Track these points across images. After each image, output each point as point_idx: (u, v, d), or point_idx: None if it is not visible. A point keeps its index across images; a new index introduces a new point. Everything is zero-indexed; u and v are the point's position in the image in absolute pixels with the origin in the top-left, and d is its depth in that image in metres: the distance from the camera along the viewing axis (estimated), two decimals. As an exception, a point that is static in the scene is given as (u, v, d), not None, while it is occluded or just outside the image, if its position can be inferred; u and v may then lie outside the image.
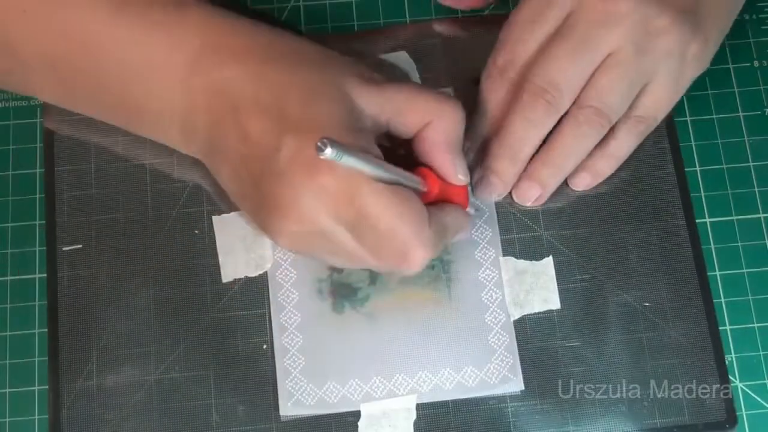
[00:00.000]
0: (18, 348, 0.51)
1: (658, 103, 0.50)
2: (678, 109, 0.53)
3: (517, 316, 0.51)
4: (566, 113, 0.49)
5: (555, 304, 0.51)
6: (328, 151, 0.39)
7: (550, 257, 0.51)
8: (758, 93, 0.55)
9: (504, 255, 0.51)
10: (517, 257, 0.51)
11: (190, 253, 0.51)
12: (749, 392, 0.50)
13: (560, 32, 0.48)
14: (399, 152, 0.48)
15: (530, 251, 0.52)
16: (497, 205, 0.52)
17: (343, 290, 0.51)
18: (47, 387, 0.49)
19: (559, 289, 0.51)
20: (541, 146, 0.50)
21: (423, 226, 0.44)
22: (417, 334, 0.50)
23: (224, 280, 0.51)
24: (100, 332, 0.50)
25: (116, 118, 0.50)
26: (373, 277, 0.51)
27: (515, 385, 0.49)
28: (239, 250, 0.51)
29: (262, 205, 0.45)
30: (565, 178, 0.51)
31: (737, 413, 0.49)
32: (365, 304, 0.51)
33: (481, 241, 0.52)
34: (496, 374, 0.50)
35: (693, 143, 0.54)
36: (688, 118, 0.55)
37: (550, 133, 0.50)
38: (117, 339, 0.50)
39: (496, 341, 0.50)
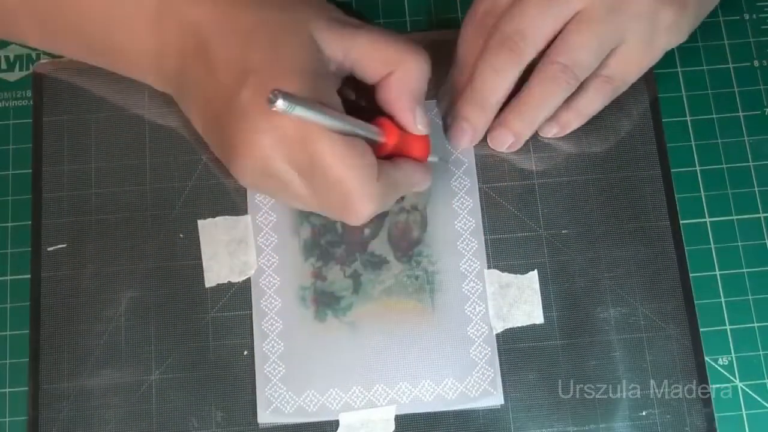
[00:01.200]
0: (18, 348, 0.51)
1: (628, 65, 0.50)
2: (678, 108, 0.53)
3: (499, 330, 0.50)
4: (536, 67, 0.49)
5: (538, 318, 0.51)
6: (279, 103, 0.39)
7: (535, 271, 0.51)
8: (758, 93, 0.55)
9: (489, 267, 0.51)
10: (500, 267, 0.51)
11: (173, 257, 0.51)
12: (749, 392, 0.50)
13: None
14: (361, 102, 0.49)
15: (520, 252, 0.51)
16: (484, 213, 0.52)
17: (326, 298, 0.51)
18: (26, 388, 0.50)
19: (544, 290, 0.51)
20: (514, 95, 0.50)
21: (371, 179, 0.44)
22: (398, 345, 0.50)
23: (207, 284, 0.51)
24: (81, 334, 0.50)
25: (95, 59, 0.50)
26: (357, 285, 0.51)
27: (495, 399, 0.49)
28: (223, 255, 0.51)
29: (225, 143, 0.45)
30: (536, 128, 0.52)
31: (737, 413, 0.49)
32: (348, 313, 0.50)
33: (466, 253, 0.51)
34: (476, 387, 0.49)
35: (693, 143, 0.54)
36: (688, 118, 0.55)
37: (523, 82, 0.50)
38: (97, 341, 0.50)
39: (478, 354, 0.50)
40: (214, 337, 0.50)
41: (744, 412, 0.50)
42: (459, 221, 0.52)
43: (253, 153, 0.44)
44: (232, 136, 0.44)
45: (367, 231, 0.52)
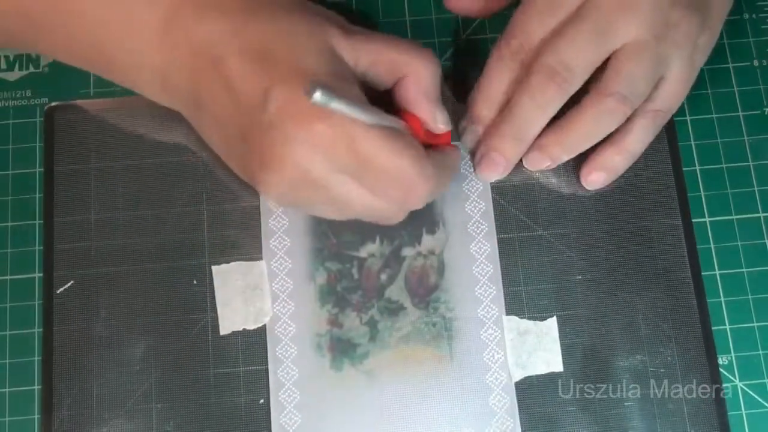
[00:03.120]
0: (18, 348, 0.50)
1: (674, 94, 0.50)
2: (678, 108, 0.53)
3: (518, 378, 0.50)
4: (586, 97, 0.49)
5: (557, 366, 0.50)
6: (317, 95, 0.38)
7: (554, 318, 0.51)
8: (758, 92, 0.55)
9: (507, 314, 0.51)
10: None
11: (187, 304, 0.51)
12: (749, 392, 0.50)
13: (577, 16, 0.48)
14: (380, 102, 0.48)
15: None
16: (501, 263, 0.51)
17: (343, 346, 0.50)
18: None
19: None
20: (555, 120, 0.50)
21: (424, 159, 0.45)
22: (416, 394, 0.49)
23: (222, 332, 0.50)
24: (92, 384, 0.49)
25: (100, 72, 0.49)
26: (373, 333, 0.50)
27: (515, 449, 0.49)
28: (238, 302, 0.51)
29: (251, 158, 0.44)
30: (574, 155, 0.51)
31: (737, 413, 0.49)
32: (364, 361, 0.50)
33: (484, 299, 0.51)
34: (495, 437, 0.49)
35: (693, 143, 0.54)
36: (688, 118, 0.54)
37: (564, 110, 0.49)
38: (111, 391, 0.49)
39: (497, 403, 0.49)
40: (229, 385, 0.50)
41: (744, 412, 0.50)
42: (477, 266, 0.51)
43: (287, 163, 0.43)
44: (261, 150, 0.43)
45: (383, 276, 0.51)
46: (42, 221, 0.52)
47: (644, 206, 0.52)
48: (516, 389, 0.49)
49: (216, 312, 0.50)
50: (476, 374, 0.50)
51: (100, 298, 0.51)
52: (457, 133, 0.52)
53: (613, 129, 0.49)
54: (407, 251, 0.52)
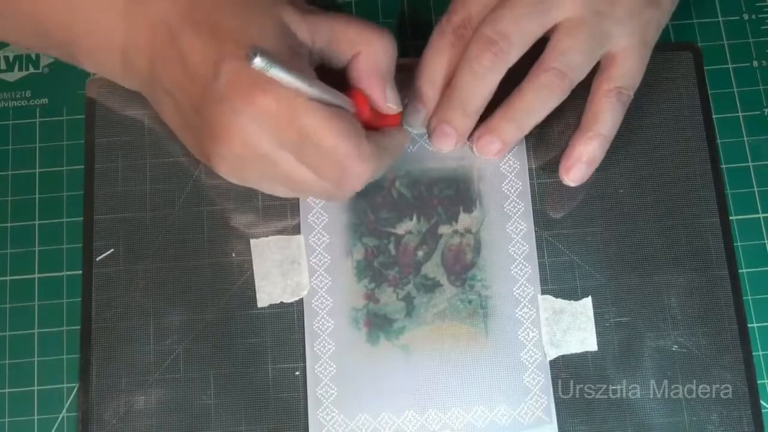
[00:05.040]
0: (18, 348, 0.51)
1: (631, 69, 0.50)
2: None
3: (553, 356, 0.50)
4: (528, 74, 0.49)
5: (592, 345, 0.50)
6: (257, 60, 0.39)
7: (589, 298, 0.51)
8: (758, 93, 0.55)
9: (542, 293, 0.51)
10: (554, 294, 0.51)
11: (226, 276, 0.51)
12: None
13: None
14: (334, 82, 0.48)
15: (565, 283, 0.51)
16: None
17: (379, 321, 0.50)
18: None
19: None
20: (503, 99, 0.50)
21: (361, 140, 0.45)
22: (451, 369, 0.50)
23: (260, 305, 0.51)
24: (131, 353, 0.50)
25: (66, 56, 0.49)
26: (410, 308, 0.51)
27: (549, 428, 0.49)
28: (276, 275, 0.51)
29: (203, 133, 0.45)
30: (524, 134, 0.51)
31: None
32: (400, 336, 0.50)
33: (520, 278, 0.51)
34: (529, 415, 0.49)
35: None
36: None
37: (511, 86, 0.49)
38: (146, 363, 0.50)
39: (531, 381, 0.50)
40: (265, 357, 0.50)
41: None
42: (513, 246, 0.52)
43: (235, 136, 0.43)
44: (212, 123, 0.44)
45: (420, 253, 0.52)
46: (82, 192, 0.53)
47: (680, 195, 0.53)
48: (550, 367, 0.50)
49: (254, 284, 0.51)
50: (511, 352, 0.50)
51: (138, 267, 0.51)
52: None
53: (555, 104, 0.49)
54: (444, 229, 0.52)
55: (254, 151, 0.44)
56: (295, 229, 0.52)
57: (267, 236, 0.52)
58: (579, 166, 0.51)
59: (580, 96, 0.50)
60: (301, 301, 0.51)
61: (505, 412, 0.49)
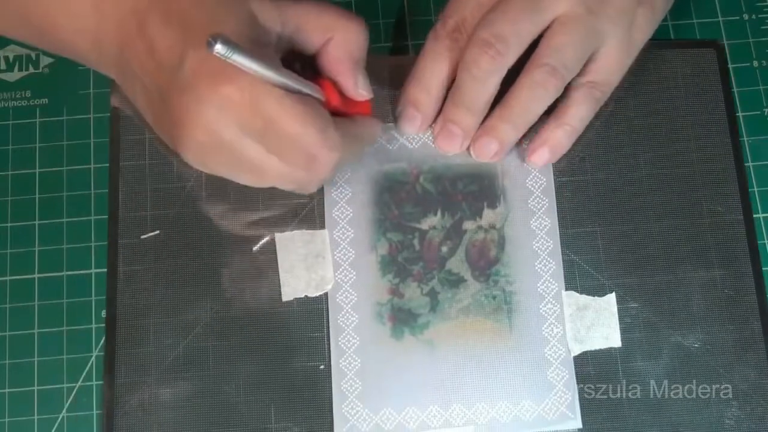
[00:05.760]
0: (18, 348, 0.51)
1: (611, 67, 0.50)
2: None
3: (577, 352, 0.50)
4: (521, 72, 0.49)
5: (616, 341, 0.50)
6: (219, 47, 0.39)
7: (613, 294, 0.51)
8: (758, 93, 0.55)
9: (566, 289, 0.51)
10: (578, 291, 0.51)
11: (250, 270, 0.51)
12: None
13: None
14: (306, 73, 0.48)
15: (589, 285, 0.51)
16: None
17: (403, 316, 0.50)
18: (100, 410, 0.50)
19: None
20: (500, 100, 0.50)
21: (328, 127, 0.44)
22: (476, 365, 0.50)
23: (284, 299, 0.51)
24: (156, 346, 0.50)
25: (32, 38, 0.49)
26: (434, 304, 0.51)
27: (573, 423, 0.49)
28: (300, 269, 0.51)
29: (170, 121, 0.45)
30: (522, 133, 0.51)
31: None
32: (425, 331, 0.50)
33: (544, 274, 0.51)
34: (553, 410, 0.49)
35: None
36: None
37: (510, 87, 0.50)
38: (171, 354, 0.50)
39: (555, 376, 0.50)
40: (290, 352, 0.50)
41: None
42: (537, 242, 0.52)
43: (199, 124, 0.43)
44: (177, 110, 0.43)
45: (444, 249, 0.52)
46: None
47: (703, 185, 0.53)
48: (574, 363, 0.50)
49: (278, 279, 0.51)
50: (535, 347, 0.50)
51: (163, 263, 0.51)
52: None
53: (549, 101, 0.50)
54: (468, 225, 0.52)
55: (219, 139, 0.43)
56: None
57: (291, 231, 0.52)
58: (543, 150, 0.51)
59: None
60: (325, 296, 0.51)
61: (529, 408, 0.49)
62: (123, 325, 0.50)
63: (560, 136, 0.51)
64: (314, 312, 0.51)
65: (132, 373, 0.50)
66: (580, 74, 0.50)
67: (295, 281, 0.51)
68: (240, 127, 0.43)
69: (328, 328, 0.50)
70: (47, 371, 0.50)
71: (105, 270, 0.51)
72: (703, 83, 0.54)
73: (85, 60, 0.49)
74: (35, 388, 0.50)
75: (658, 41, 0.55)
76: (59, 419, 0.50)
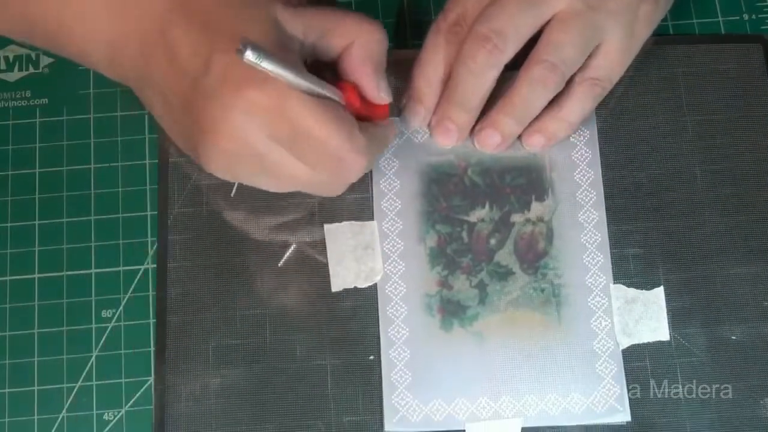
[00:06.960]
0: (18, 348, 0.51)
1: (612, 63, 0.50)
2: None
3: (625, 345, 0.50)
4: (522, 67, 0.49)
5: (664, 335, 0.50)
6: (249, 53, 0.39)
7: (661, 287, 0.51)
8: None
9: (614, 282, 0.51)
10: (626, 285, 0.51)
11: (299, 262, 0.51)
12: None
13: None
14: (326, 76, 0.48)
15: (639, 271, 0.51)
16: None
17: (452, 307, 0.51)
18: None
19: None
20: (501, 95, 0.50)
21: (354, 131, 0.45)
22: (525, 357, 0.50)
23: (334, 289, 0.51)
24: (205, 335, 0.50)
25: (56, 47, 0.49)
26: (483, 296, 0.51)
27: (622, 416, 0.49)
28: (350, 260, 0.51)
29: (193, 128, 0.44)
30: (524, 126, 0.51)
31: None
32: (474, 323, 0.50)
33: (592, 267, 0.51)
34: (602, 403, 0.49)
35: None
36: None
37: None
38: (220, 342, 0.50)
39: (604, 369, 0.50)
40: (340, 343, 0.50)
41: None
42: (585, 235, 0.52)
43: (225, 131, 0.43)
44: (202, 119, 0.43)
45: (493, 241, 0.52)
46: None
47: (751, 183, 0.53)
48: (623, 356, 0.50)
49: (325, 271, 0.51)
50: (583, 340, 0.50)
51: (210, 259, 0.52)
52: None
53: (549, 96, 0.50)
54: (516, 217, 0.52)
55: (245, 146, 0.43)
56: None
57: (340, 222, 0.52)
58: (538, 137, 0.52)
59: (647, 88, 0.50)
60: (374, 287, 0.51)
61: (578, 401, 0.49)
62: (173, 319, 0.51)
63: (556, 128, 0.52)
64: (363, 303, 0.51)
65: (183, 365, 0.50)
66: (581, 69, 0.50)
67: (345, 272, 0.51)
68: (268, 132, 0.43)
69: (377, 319, 0.50)
70: (47, 371, 0.50)
71: (105, 270, 0.52)
72: (750, 78, 0.54)
73: (94, 64, 0.48)
74: (35, 388, 0.50)
75: (710, 36, 0.55)
76: (59, 419, 0.50)
